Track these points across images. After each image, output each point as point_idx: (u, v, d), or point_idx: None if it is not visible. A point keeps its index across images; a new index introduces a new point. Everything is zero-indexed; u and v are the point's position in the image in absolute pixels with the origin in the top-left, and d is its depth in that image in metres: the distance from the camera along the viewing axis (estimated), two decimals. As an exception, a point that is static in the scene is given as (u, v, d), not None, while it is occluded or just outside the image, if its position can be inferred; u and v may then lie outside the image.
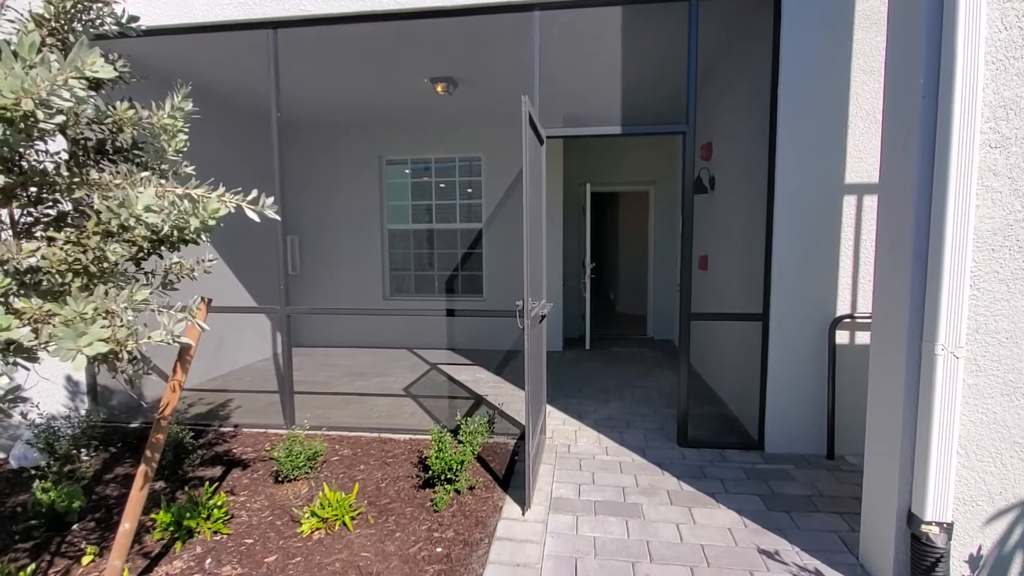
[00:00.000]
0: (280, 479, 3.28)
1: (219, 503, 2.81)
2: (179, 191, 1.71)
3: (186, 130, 2.24)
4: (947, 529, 2.05)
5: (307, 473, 3.29)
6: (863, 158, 3.43)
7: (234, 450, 3.85)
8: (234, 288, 6.18)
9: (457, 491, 3.05)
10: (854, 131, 3.43)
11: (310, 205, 7.31)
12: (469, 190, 7.14)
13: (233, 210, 1.75)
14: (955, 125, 1.95)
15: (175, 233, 1.82)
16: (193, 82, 5.60)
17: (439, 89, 5.28)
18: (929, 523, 2.06)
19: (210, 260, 2.43)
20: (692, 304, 3.71)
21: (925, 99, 2.04)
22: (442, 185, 7.23)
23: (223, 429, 4.21)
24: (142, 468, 2.10)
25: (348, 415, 4.52)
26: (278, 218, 1.84)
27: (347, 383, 5.52)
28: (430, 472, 3.05)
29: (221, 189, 1.77)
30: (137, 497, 2.10)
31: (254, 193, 1.79)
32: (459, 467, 2.97)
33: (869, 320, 3.48)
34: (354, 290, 7.32)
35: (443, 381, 5.60)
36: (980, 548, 2.10)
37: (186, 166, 2.27)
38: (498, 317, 6.66)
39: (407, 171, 7.32)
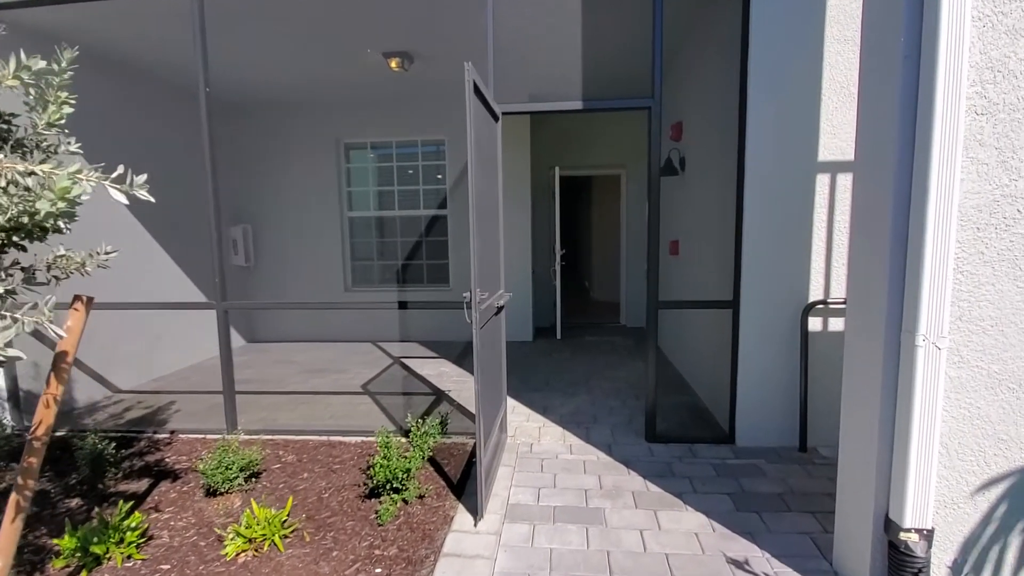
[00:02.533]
0: (212, 492, 2.98)
1: (134, 524, 2.50)
2: (20, 167, 1.39)
3: (71, 101, 1.88)
4: (927, 536, 1.87)
5: (241, 485, 3.00)
6: (837, 134, 3.23)
7: (167, 459, 3.53)
8: (177, 282, 5.77)
9: (405, 500, 2.80)
10: (827, 105, 3.23)
11: (264, 191, 6.89)
12: (439, 176, 6.80)
13: (90, 190, 1.44)
14: (939, 89, 1.73)
15: (28, 219, 1.51)
16: (134, 62, 5.18)
17: (393, 65, 4.93)
18: (908, 530, 1.88)
19: (107, 253, 2.09)
20: (662, 291, 3.50)
21: (907, 59, 1.81)
22: (410, 171, 6.88)
23: (158, 436, 3.88)
24: (13, 498, 1.79)
25: (297, 416, 4.21)
26: (151, 199, 1.53)
27: (301, 381, 5.20)
28: (376, 480, 2.79)
29: (77, 164, 1.45)
30: (9, 531, 1.79)
31: (119, 170, 1.48)
32: (405, 475, 2.72)
33: (843, 306, 3.31)
34: (314, 281, 6.96)
35: (405, 376, 5.32)
36: (961, 555, 1.93)
37: (69, 144, 1.92)
38: (460, 309, 6.36)
39: (369, 155, 6.94)
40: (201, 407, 4.46)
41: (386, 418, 4.12)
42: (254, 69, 5.29)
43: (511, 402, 4.40)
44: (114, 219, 5.03)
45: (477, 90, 2.58)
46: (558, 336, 6.87)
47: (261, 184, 6.88)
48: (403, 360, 5.89)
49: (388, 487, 2.74)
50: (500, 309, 3.34)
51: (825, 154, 3.26)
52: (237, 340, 6.87)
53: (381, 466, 2.72)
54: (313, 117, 6.71)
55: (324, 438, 3.74)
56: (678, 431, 3.74)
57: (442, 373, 5.35)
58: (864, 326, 2.07)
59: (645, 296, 7.07)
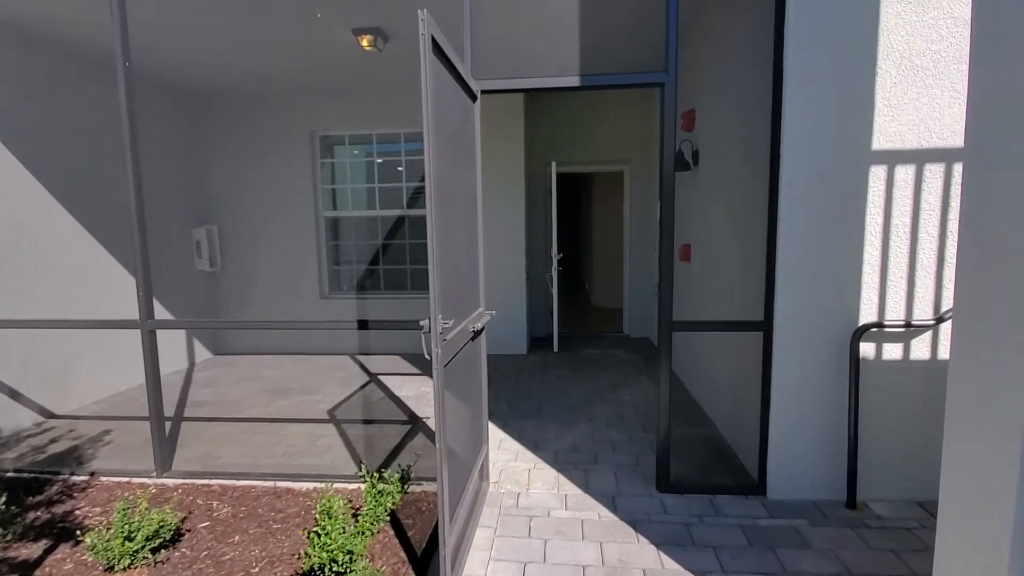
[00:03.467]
0: (111, 567, 2.36)
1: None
2: None
3: None
4: None
5: (147, 558, 2.37)
6: (896, 116, 2.60)
7: (77, 510, 2.91)
8: (115, 289, 5.14)
9: (351, 585, 2.17)
10: (884, 80, 2.59)
11: (232, 189, 6.26)
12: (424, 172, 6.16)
13: None
14: None
15: None
16: (73, 44, 4.56)
17: (365, 43, 4.30)
18: None
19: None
20: (674, 305, 2.86)
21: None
22: (399, 168, 6.25)
23: (75, 479, 3.26)
24: None
25: (246, 452, 3.59)
26: None
27: (262, 404, 4.57)
28: (311, 563, 2.16)
29: None
30: None
31: None
32: (349, 559, 2.09)
33: (902, 329, 2.68)
34: (286, 287, 6.34)
35: (380, 399, 4.69)
36: None
37: None
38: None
39: (346, 150, 6.30)
40: (139, 439, 3.84)
41: (348, 454, 3.50)
42: (209, 52, 4.66)
43: (497, 434, 3.78)
44: (58, 227, 4.42)
45: (438, 49, 1.96)
46: (555, 349, 6.24)
47: (229, 181, 6.25)
48: (381, 377, 5.26)
49: (328, 570, 2.12)
50: (478, 332, 2.72)
51: (881, 141, 2.62)
52: (202, 353, 6.26)
53: (318, 545, 2.09)
54: (284, 107, 6.08)
55: (271, 483, 3.12)
56: (695, 477, 3.11)
57: (422, 395, 4.73)
58: (987, 348, 1.44)
59: (650, 303, 6.36)
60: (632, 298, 6.95)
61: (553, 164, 6.13)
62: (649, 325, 6.83)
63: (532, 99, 6.59)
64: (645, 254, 6.78)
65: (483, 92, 2.81)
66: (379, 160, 6.27)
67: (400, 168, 6.23)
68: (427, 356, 1.89)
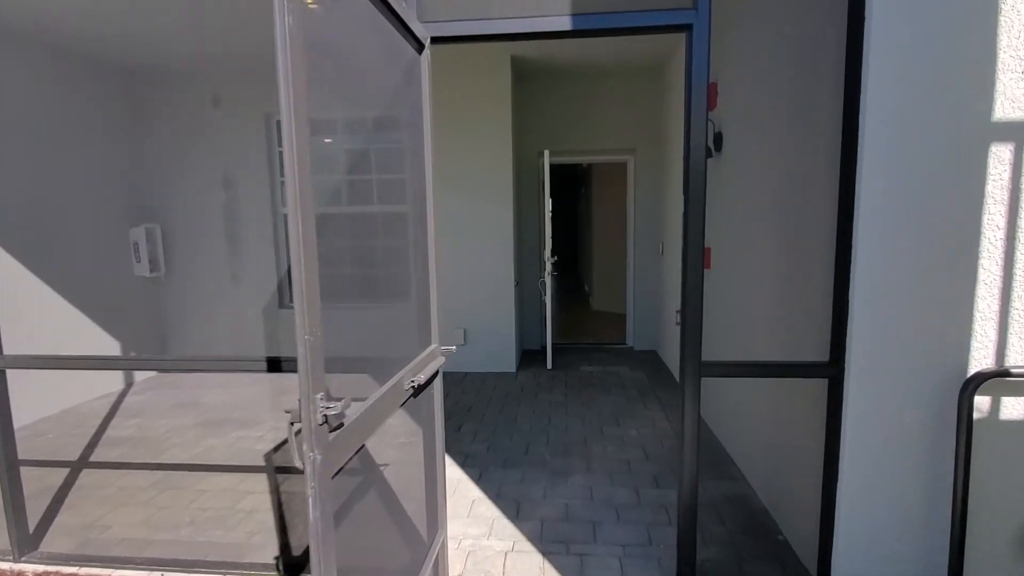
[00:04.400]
0: None
1: None
2: None
3: None
4: None
5: None
6: (1034, 69, 1.78)
7: None
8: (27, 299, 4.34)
9: None
10: (1010, 22, 1.78)
11: (177, 181, 5.44)
12: (401, 161, 5.33)
13: None
14: None
15: None
16: None
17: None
18: None
19: None
20: (701, 335, 2.06)
21: None
22: (365, 155, 5.42)
23: (-96, 564, 2.46)
24: None
25: (144, 520, 2.79)
26: None
27: (190, 442, 3.77)
28: None
29: None
30: None
31: None
32: None
33: (1035, 379, 1.87)
34: (242, 295, 5.53)
35: (335, 434, 3.89)
36: None
37: None
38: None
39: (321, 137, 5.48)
40: (28, 488, 3.04)
41: (274, 523, 2.70)
42: (147, 25, 3.84)
43: (469, 492, 2.98)
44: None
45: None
46: (549, 366, 5.44)
47: (172, 172, 5.43)
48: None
49: None
50: (423, 385, 1.91)
51: (1007, 109, 1.81)
52: (143, 371, 5.45)
53: None
54: (233, 86, 5.25)
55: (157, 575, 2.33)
56: (729, 565, 2.31)
57: (386, 428, 3.92)
58: None
59: (656, 310, 5.50)
60: (637, 305, 6.14)
61: (546, 153, 5.31)
62: (656, 336, 6.02)
63: (521, 78, 5.77)
64: (652, 255, 5.97)
65: (435, 40, 1.99)
66: (346, 148, 5.43)
67: (365, 156, 5.39)
68: (297, 464, 1.08)
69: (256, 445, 3.70)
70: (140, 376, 5.41)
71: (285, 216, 5.44)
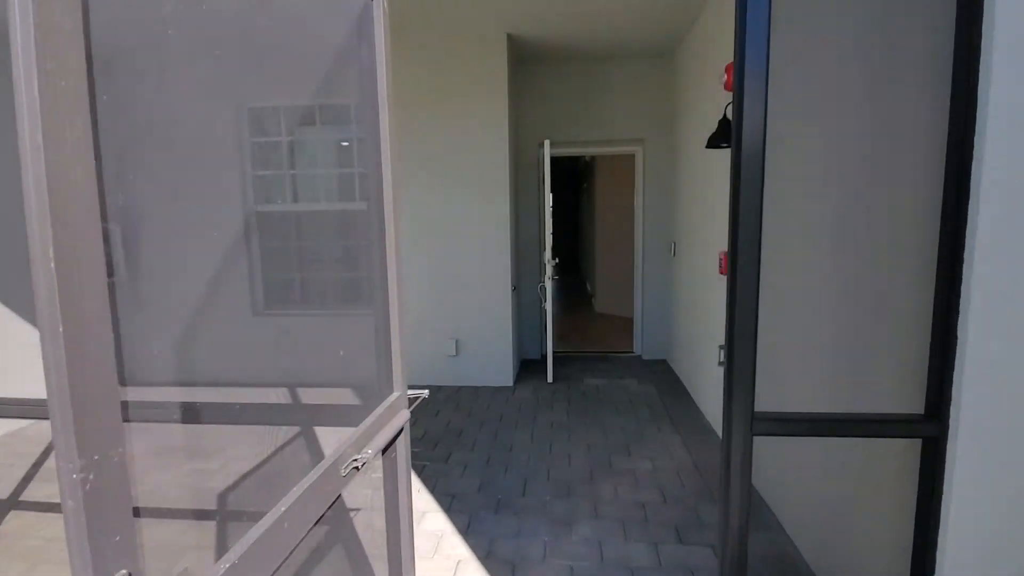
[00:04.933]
0: None
1: None
2: None
3: None
4: None
5: None
6: None
7: None
8: None
9: None
10: None
11: (142, 176, 4.92)
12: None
13: None
14: None
15: None
16: None
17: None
18: None
19: None
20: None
21: None
22: (344, 144, 4.90)
23: None
24: None
25: (56, 589, 2.30)
26: None
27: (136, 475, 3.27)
28: None
29: None
30: None
31: None
32: None
33: None
34: (214, 302, 5.02)
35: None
36: None
37: None
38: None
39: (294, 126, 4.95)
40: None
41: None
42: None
43: (453, 549, 2.49)
44: None
45: None
46: (549, 379, 4.93)
47: (137, 165, 4.90)
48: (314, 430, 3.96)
49: None
50: (390, 444, 1.42)
51: None
52: (104, 384, 4.94)
53: None
54: (199, 68, 4.72)
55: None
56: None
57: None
58: None
59: (666, 317, 5.07)
60: (646, 310, 5.63)
61: (546, 144, 4.78)
62: (666, 344, 5.52)
63: (519, 61, 5.24)
64: (661, 256, 5.46)
65: (395, -20, 1.48)
66: (323, 139, 4.91)
67: (345, 144, 4.88)
68: None
69: (208, 482, 3.20)
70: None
71: (259, 214, 4.93)
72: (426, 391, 1.67)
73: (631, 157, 5.68)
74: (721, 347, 1.59)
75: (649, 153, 5.41)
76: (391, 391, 1.55)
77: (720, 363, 1.64)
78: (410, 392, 1.64)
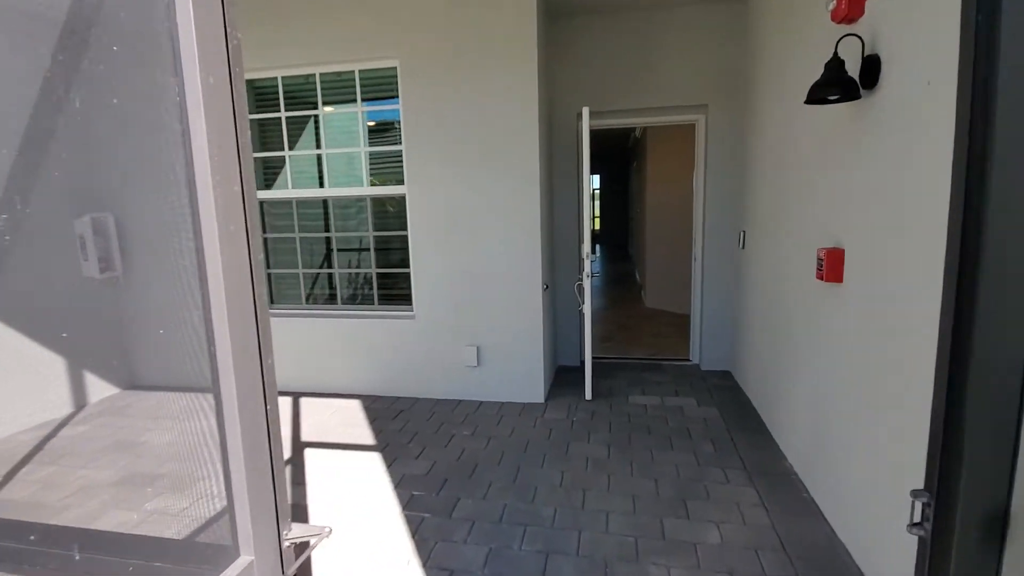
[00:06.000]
0: None
1: None
2: None
3: None
4: None
5: None
6: None
7: None
8: None
9: None
10: None
11: (133, 160, 4.45)
12: (395, 130, 4.12)
13: None
14: None
15: None
16: None
17: None
18: None
19: None
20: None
21: None
22: (369, 124, 4.25)
23: None
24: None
25: None
26: None
27: (87, 515, 2.77)
28: None
29: None
30: None
31: None
32: None
33: None
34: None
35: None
36: None
37: None
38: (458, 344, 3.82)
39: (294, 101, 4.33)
40: None
41: None
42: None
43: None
44: None
45: None
46: (588, 395, 4.15)
47: (128, 148, 4.44)
48: (310, 446, 3.37)
49: None
50: None
51: None
52: (102, 389, 4.56)
53: None
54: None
55: None
56: None
57: (340, 499, 2.78)
58: None
59: (731, 318, 4.13)
60: (706, 310, 4.73)
61: (584, 112, 3.93)
62: (730, 352, 4.61)
63: (553, 16, 4.39)
64: (727, 247, 4.53)
65: None
66: (327, 114, 4.26)
67: (369, 124, 4.20)
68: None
69: (168, 526, 2.65)
70: (98, 394, 4.53)
71: (262, 203, 4.36)
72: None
73: (690, 128, 4.73)
74: (919, 496, 0.77)
75: (713, 121, 4.45)
76: (287, 528, 0.85)
77: (914, 525, 0.81)
78: (297, 536, 0.92)
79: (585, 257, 4.06)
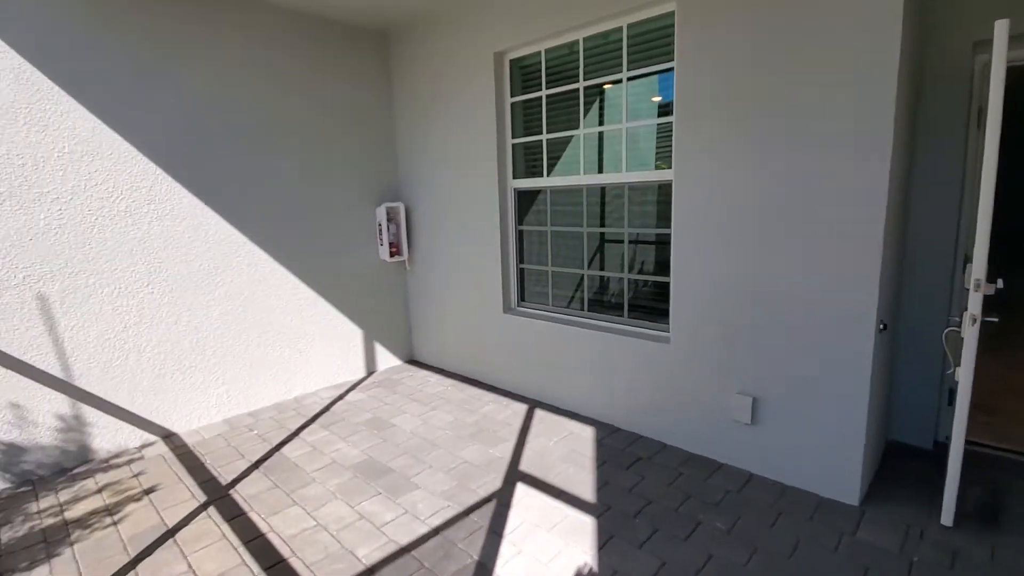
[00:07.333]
0: None
1: None
2: None
3: None
4: None
5: None
6: None
7: None
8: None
9: None
10: None
11: (414, 152, 4.74)
12: (657, 97, 3.25)
13: None
14: None
15: None
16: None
17: None
18: None
19: None
20: None
21: None
22: (655, 99, 3.55)
23: None
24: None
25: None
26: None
27: (290, 521, 2.83)
28: None
29: None
30: None
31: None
32: None
33: None
34: (471, 291, 4.52)
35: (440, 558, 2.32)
36: None
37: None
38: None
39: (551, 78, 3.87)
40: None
41: None
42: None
43: None
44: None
45: None
46: (946, 517, 2.47)
47: (413, 141, 4.74)
48: (523, 480, 2.84)
49: None
50: None
51: None
52: (388, 359, 5.03)
53: None
54: (461, 23, 4.08)
55: None
56: None
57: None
58: None
59: None
60: None
61: (1004, 25, 2.21)
62: None
63: None
64: None
65: None
66: (586, 86, 3.60)
67: (655, 99, 3.38)
68: None
69: (416, 529, 2.47)
70: (387, 363, 5.04)
71: (516, 191, 4.04)
72: None
73: None
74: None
75: None
76: None
77: None
78: None
79: (972, 284, 2.39)
